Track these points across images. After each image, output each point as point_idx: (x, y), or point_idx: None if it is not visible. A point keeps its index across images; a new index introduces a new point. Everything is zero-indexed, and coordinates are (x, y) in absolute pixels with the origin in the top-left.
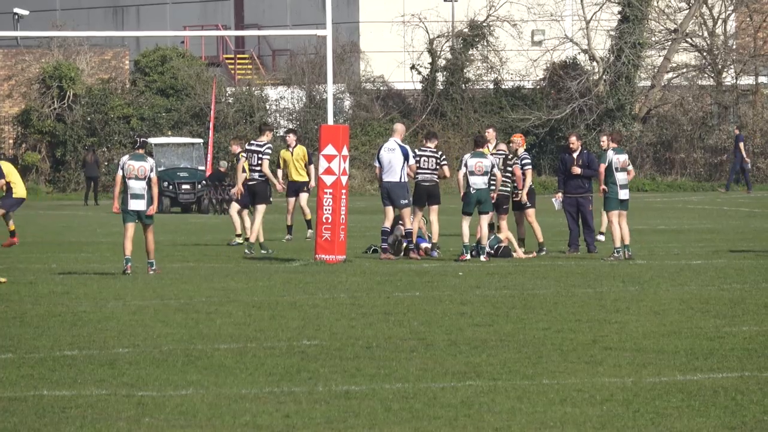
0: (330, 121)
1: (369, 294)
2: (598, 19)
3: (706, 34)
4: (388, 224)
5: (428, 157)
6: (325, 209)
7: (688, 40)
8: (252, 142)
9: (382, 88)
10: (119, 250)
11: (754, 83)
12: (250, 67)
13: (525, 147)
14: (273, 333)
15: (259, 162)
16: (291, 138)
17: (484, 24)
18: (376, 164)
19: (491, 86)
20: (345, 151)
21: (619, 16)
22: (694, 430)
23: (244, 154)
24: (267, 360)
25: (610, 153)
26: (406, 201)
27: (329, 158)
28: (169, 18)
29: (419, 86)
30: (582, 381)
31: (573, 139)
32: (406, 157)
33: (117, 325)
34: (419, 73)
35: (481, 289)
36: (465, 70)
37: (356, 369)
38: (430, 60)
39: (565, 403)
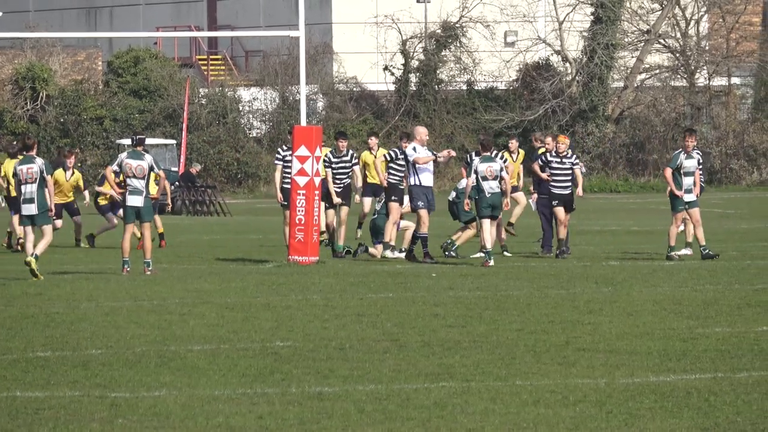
0: (303, 122)
1: (342, 295)
2: (571, 20)
3: (678, 35)
4: (425, 229)
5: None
6: (299, 210)
7: (661, 41)
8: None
9: (355, 89)
10: (93, 252)
11: (727, 84)
12: (223, 68)
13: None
14: (246, 334)
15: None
16: (373, 141)
17: (456, 25)
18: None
19: (464, 87)
20: (318, 153)
21: (591, 17)
22: (667, 431)
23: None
24: (240, 361)
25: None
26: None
27: (302, 159)
28: (142, 19)
29: (392, 87)
30: (555, 382)
31: (549, 140)
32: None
33: (90, 327)
34: (392, 74)
35: (455, 291)
36: (438, 71)
37: (329, 370)
38: (403, 61)
39: (539, 404)
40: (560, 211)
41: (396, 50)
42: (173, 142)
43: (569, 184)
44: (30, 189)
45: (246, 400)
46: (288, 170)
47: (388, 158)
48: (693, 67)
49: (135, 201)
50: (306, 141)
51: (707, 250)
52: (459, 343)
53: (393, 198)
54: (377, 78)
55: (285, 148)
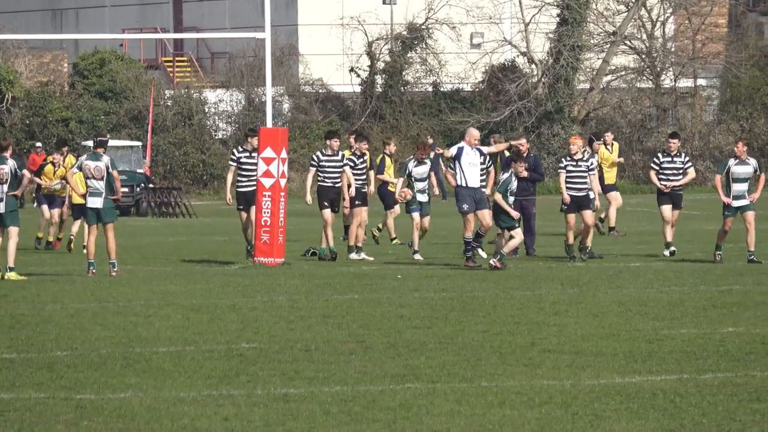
0: (269, 123)
1: (308, 297)
2: (536, 21)
3: (644, 36)
4: (468, 234)
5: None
6: (264, 212)
7: (627, 42)
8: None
9: (320, 90)
10: (57, 254)
11: (693, 86)
12: (188, 69)
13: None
14: (211, 336)
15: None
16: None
17: (422, 27)
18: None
19: (430, 89)
20: (284, 154)
21: (557, 18)
22: None
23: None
24: (205, 363)
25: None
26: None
27: (268, 161)
28: (107, 21)
29: (358, 89)
30: (520, 383)
31: (523, 141)
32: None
33: (55, 329)
34: (358, 75)
35: (420, 292)
36: (404, 73)
37: (295, 372)
38: (368, 63)
39: (504, 405)
40: (571, 217)
41: (362, 52)
42: (139, 143)
43: (584, 185)
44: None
45: (211, 402)
46: (244, 172)
47: (351, 164)
48: (659, 69)
49: (95, 203)
50: (272, 143)
51: (752, 256)
52: (425, 344)
53: (357, 202)
54: (343, 79)
55: (240, 149)
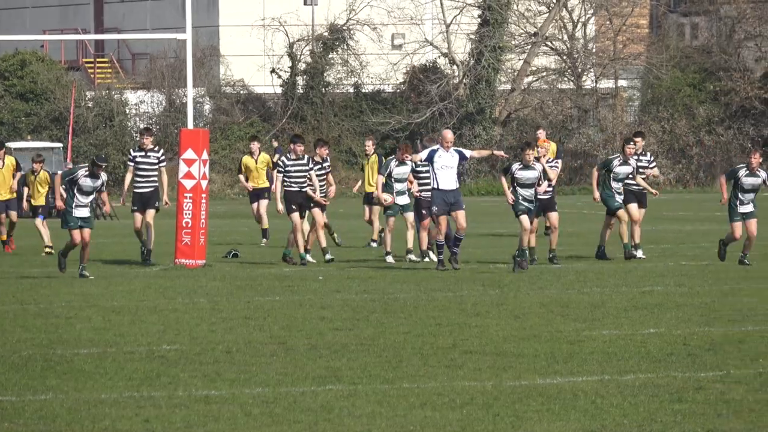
0: (190, 125)
1: (229, 298)
2: (458, 22)
3: (566, 37)
4: (441, 237)
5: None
6: (185, 214)
7: (548, 43)
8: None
9: (242, 92)
10: None
11: (614, 87)
12: (110, 71)
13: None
14: (133, 338)
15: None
16: (255, 145)
17: (344, 28)
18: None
19: (351, 90)
20: (205, 156)
21: (479, 19)
22: None
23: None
24: (127, 365)
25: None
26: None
27: (189, 162)
28: (28, 22)
29: (279, 90)
30: (442, 385)
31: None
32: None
33: None
34: (279, 77)
35: (342, 294)
36: (325, 74)
37: (216, 373)
38: (290, 64)
39: (426, 407)
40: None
41: (283, 53)
42: (59, 145)
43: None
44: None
45: (132, 404)
46: (139, 173)
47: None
48: (580, 70)
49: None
50: (193, 144)
51: (745, 258)
52: (346, 346)
53: (311, 204)
54: (264, 81)
55: (136, 149)
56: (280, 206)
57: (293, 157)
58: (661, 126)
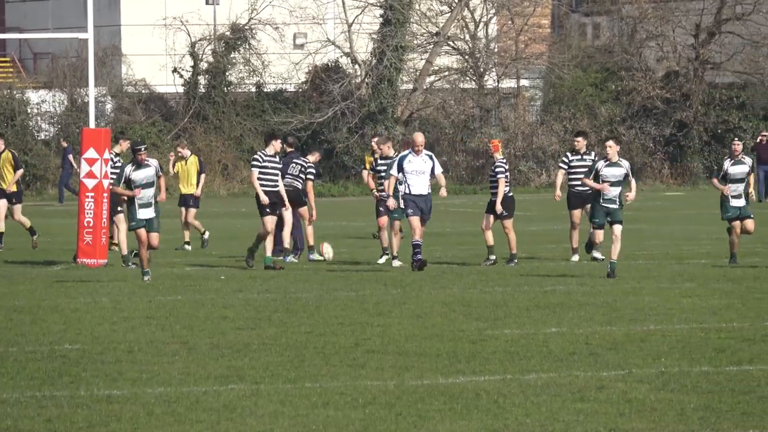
0: (92, 124)
1: (131, 298)
2: (360, 22)
3: (467, 37)
4: (417, 237)
5: (296, 164)
6: (87, 213)
7: (450, 43)
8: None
9: (144, 91)
10: None
11: (516, 86)
12: (11, 70)
13: (500, 153)
14: (34, 337)
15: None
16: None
17: (246, 27)
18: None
19: (253, 89)
20: (107, 155)
21: (381, 19)
22: None
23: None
24: (28, 364)
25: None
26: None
27: (91, 162)
28: None
29: (181, 90)
30: (344, 384)
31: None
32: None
33: None
34: (181, 76)
35: (244, 293)
36: (227, 74)
37: (118, 373)
38: (192, 63)
39: (328, 406)
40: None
41: (185, 52)
42: None
43: (495, 190)
44: None
45: (34, 404)
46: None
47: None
48: (482, 69)
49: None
50: (95, 143)
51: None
52: (248, 345)
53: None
54: (166, 80)
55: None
56: (264, 196)
57: (270, 152)
58: (563, 125)
